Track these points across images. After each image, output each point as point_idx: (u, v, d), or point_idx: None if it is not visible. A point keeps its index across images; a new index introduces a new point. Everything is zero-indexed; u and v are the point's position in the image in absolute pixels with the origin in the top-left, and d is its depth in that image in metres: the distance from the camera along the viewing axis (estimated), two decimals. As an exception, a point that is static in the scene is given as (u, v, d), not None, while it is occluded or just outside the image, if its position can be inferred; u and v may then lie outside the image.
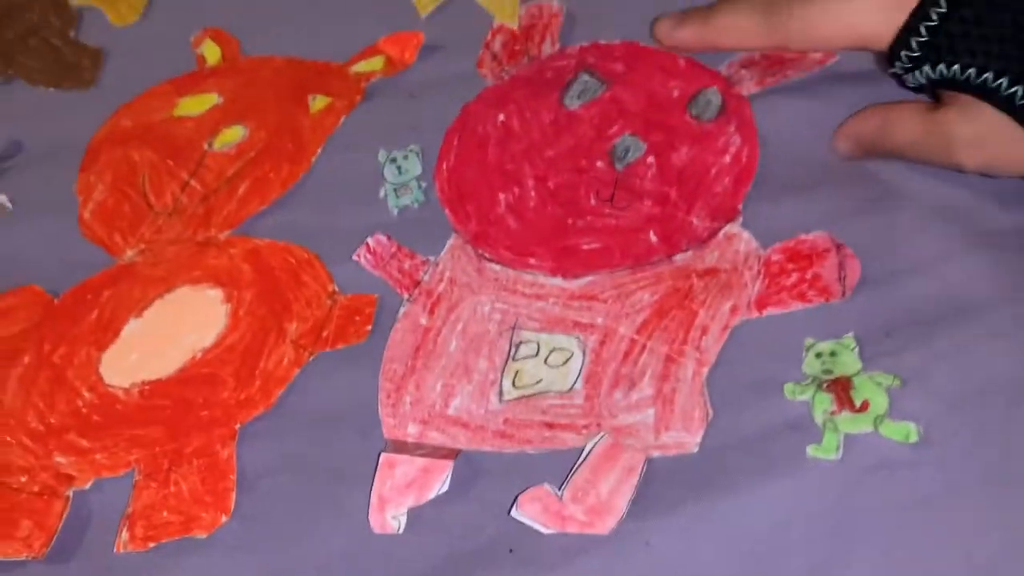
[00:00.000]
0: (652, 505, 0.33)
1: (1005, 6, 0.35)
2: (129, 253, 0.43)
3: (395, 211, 0.42)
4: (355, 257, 0.41)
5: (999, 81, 0.34)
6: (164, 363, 0.39)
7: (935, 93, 0.38)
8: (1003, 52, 0.34)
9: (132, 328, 0.40)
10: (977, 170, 0.37)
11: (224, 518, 0.35)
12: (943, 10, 0.35)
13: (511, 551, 0.33)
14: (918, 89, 0.38)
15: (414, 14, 0.50)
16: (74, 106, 0.50)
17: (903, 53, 0.37)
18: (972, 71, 0.35)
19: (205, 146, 0.46)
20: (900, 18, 0.36)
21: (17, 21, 0.54)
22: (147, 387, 0.39)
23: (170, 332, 0.40)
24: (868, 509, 0.32)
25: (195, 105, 0.48)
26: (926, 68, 0.36)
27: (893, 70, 0.38)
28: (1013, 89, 0.34)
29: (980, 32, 0.35)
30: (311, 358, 0.38)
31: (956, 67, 0.35)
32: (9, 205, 0.46)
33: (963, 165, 0.37)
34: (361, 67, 0.48)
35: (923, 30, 0.36)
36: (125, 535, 0.35)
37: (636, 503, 0.33)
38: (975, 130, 0.36)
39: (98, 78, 0.52)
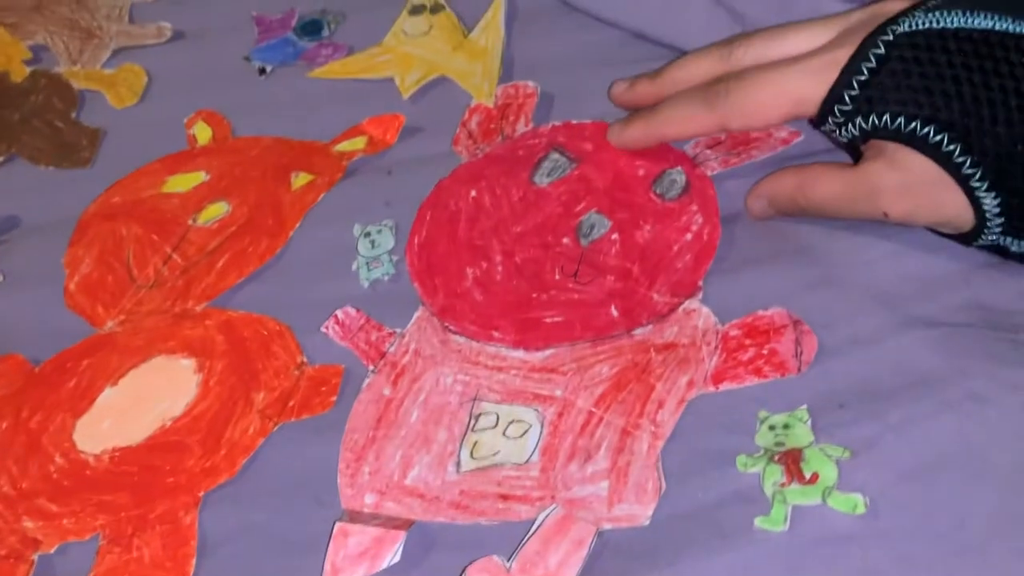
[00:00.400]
0: (600, 577, 0.33)
1: (929, 60, 0.37)
2: (109, 324, 0.44)
3: (366, 284, 0.44)
4: (323, 329, 0.42)
5: (926, 129, 0.37)
6: (134, 430, 0.40)
7: (857, 153, 0.40)
8: (929, 102, 0.37)
9: (107, 396, 0.41)
10: (901, 218, 0.39)
11: (183, 584, 0.36)
12: (872, 65, 0.38)
13: (460, 621, 0.33)
14: (848, 144, 0.40)
15: (398, 98, 0.52)
16: (70, 183, 0.52)
17: (836, 107, 0.39)
18: (901, 120, 0.37)
19: (189, 221, 0.48)
20: (830, 78, 0.39)
21: (22, 103, 0.57)
22: (117, 454, 0.39)
23: (143, 400, 0.41)
24: (816, 583, 0.32)
25: (183, 182, 0.50)
26: (858, 120, 0.38)
27: (826, 127, 0.40)
28: (939, 137, 0.37)
29: (907, 83, 0.37)
30: (276, 428, 0.39)
31: (886, 117, 0.38)
32: (0, 277, 0.48)
33: (889, 212, 0.39)
34: (344, 146, 0.50)
35: (855, 84, 0.38)
36: (85, 600, 0.36)
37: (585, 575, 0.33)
38: (902, 178, 0.38)
39: (95, 157, 0.54)
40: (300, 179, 0.49)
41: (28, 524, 0.38)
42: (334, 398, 0.40)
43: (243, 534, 0.37)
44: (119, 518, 0.38)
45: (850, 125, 0.39)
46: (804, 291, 0.40)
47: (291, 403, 0.40)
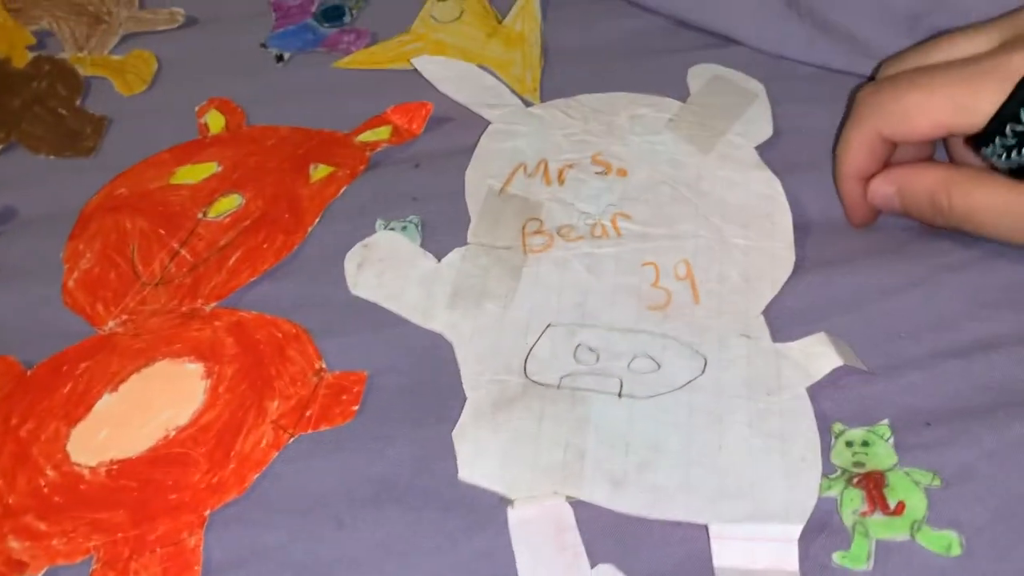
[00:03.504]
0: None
1: None
2: (110, 324, 0.40)
3: (391, 284, 0.40)
4: None
5: None
6: (135, 441, 0.36)
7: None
8: None
9: (106, 403, 0.38)
10: None
11: (185, 615, 0.32)
12: None
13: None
14: (1012, 174, 0.35)
15: (424, 85, 0.48)
16: (72, 173, 0.49)
17: (1010, 127, 0.33)
18: None
19: (199, 215, 0.44)
20: (1001, 88, 0.33)
21: (24, 89, 0.53)
22: (115, 467, 0.36)
23: (144, 408, 0.37)
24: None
25: (193, 173, 0.46)
26: None
27: (989, 149, 0.34)
28: None
29: None
30: (291, 440, 0.35)
31: None
32: (-7, 272, 0.44)
33: None
34: (367, 136, 0.47)
35: None
36: (75, 631, 0.32)
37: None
38: None
39: (99, 146, 0.50)
40: (320, 171, 0.45)
41: (14, 544, 0.34)
42: (356, 407, 0.36)
43: (253, 558, 0.33)
44: (115, 539, 0.34)
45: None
46: (885, 296, 0.36)
47: (308, 413, 0.36)
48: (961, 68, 0.35)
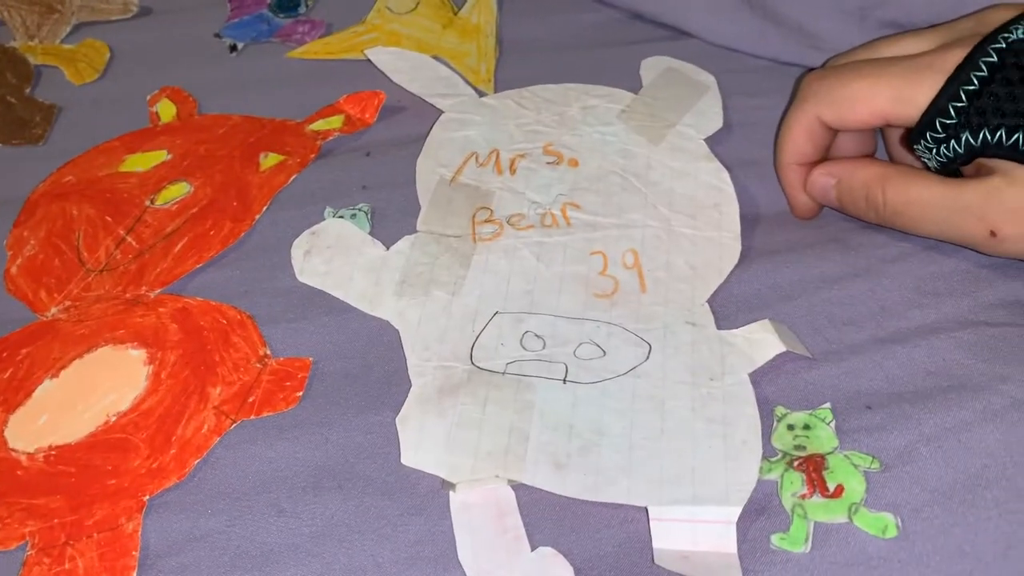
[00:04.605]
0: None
1: None
2: (53, 310, 0.40)
3: (338, 271, 0.39)
4: None
5: None
6: (75, 427, 0.36)
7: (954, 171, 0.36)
8: None
9: (46, 388, 0.37)
10: (1011, 240, 0.34)
11: (120, 601, 0.31)
12: (984, 74, 0.33)
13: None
14: (942, 170, 0.36)
15: (377, 75, 0.48)
16: (19, 161, 0.48)
17: (939, 121, 0.34)
18: (1020, 135, 0.33)
19: (147, 202, 0.43)
20: (933, 83, 0.34)
21: (-27, 78, 0.52)
22: (53, 452, 0.35)
23: (86, 394, 0.37)
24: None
25: (142, 161, 0.46)
26: (965, 135, 0.34)
27: (921, 144, 0.35)
28: None
29: None
30: (233, 426, 0.35)
31: (1001, 132, 0.33)
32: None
33: (999, 231, 0.34)
34: (319, 125, 0.46)
35: (962, 95, 0.34)
36: (7, 618, 0.31)
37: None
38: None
39: (49, 135, 0.49)
40: (269, 159, 0.45)
41: (-53, 530, 0.33)
42: (299, 394, 0.35)
43: (192, 544, 0.32)
44: (51, 525, 0.33)
45: (953, 142, 0.34)
46: (828, 285, 0.36)
47: (251, 399, 0.36)
48: (905, 62, 0.36)
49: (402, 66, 0.48)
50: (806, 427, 0.32)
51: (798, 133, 0.38)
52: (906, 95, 0.35)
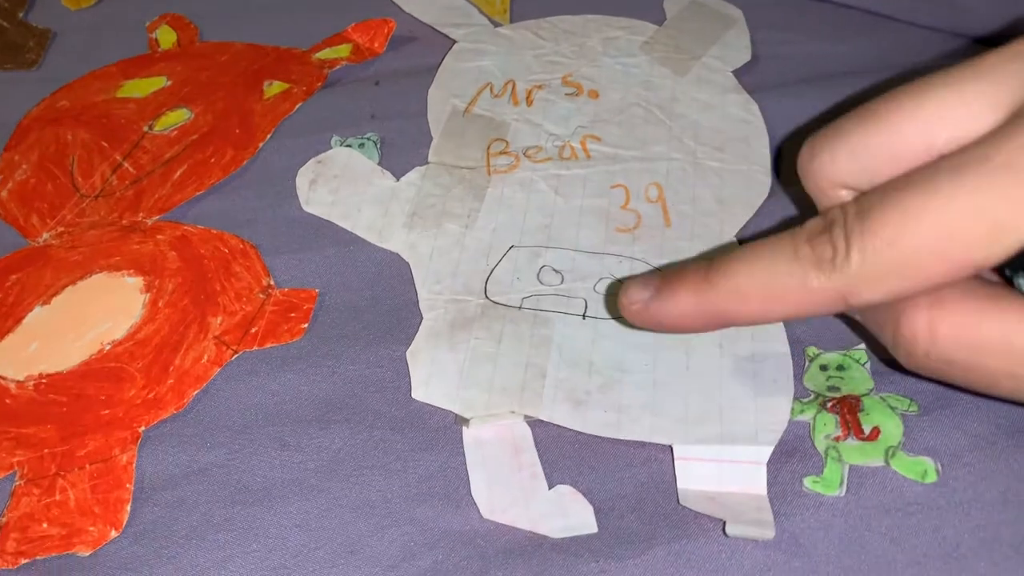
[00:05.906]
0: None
1: None
2: (45, 235, 0.38)
3: (346, 200, 0.37)
4: None
5: None
6: (67, 355, 0.34)
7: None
8: None
9: (37, 315, 0.35)
10: None
11: (113, 533, 0.29)
12: None
13: None
14: None
15: (386, 3, 0.46)
16: (12, 86, 0.46)
17: None
18: None
19: (145, 128, 0.41)
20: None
21: (-37, 1, 0.50)
22: (44, 381, 0.33)
23: (78, 321, 0.35)
24: (878, 558, 0.27)
25: (141, 87, 0.44)
26: None
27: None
28: None
29: None
30: (234, 357, 0.33)
31: None
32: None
33: None
34: (326, 54, 0.44)
35: None
36: (-7, 549, 0.29)
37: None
38: None
39: (42, 59, 0.47)
40: (274, 88, 0.43)
41: (-69, 459, 0.32)
42: (305, 325, 0.34)
43: (189, 478, 0.31)
44: (41, 455, 0.31)
45: None
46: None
47: (254, 330, 0.34)
48: (981, 167, 0.22)
49: (414, -6, 0.46)
50: (840, 368, 0.30)
51: None
52: (1006, 222, 0.22)
